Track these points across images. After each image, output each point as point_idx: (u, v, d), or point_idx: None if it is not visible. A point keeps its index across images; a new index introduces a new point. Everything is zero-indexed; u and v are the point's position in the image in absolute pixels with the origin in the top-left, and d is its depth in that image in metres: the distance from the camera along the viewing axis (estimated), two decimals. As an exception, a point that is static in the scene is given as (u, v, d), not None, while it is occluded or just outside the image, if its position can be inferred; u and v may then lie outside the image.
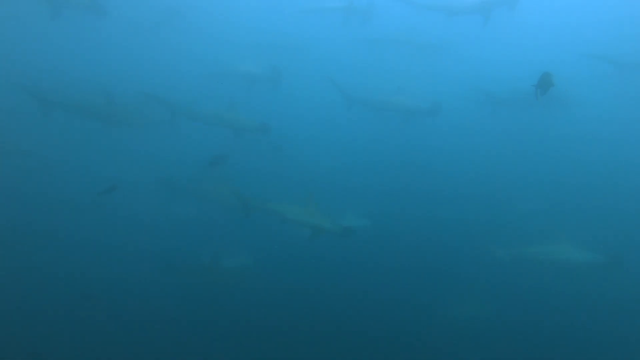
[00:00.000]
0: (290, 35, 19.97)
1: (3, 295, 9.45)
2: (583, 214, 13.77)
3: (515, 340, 10.32)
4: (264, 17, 21.20)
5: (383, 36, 19.78)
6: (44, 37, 17.02)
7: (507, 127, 17.15)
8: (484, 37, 19.50)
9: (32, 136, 13.53)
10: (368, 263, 11.82)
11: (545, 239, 11.67)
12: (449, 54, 19.84)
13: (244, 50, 17.49)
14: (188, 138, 14.56)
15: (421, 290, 11.28)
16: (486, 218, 13.61)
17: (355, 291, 11.13)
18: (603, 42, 19.31)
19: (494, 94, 16.35)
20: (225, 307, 10.38)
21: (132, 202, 13.16)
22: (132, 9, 17.16)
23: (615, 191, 14.93)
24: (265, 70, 16.06)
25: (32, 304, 9.66)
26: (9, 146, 13.26)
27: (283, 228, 10.60)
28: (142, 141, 14.13)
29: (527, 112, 16.67)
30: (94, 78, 14.58)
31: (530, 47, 20.95)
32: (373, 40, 19.35)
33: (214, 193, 13.04)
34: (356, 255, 11.57)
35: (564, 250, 11.34)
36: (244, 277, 11.22)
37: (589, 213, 13.79)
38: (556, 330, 10.68)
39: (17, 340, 8.46)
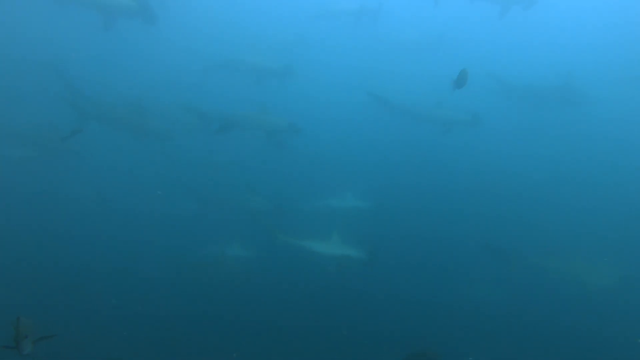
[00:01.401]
0: (302, 36, 20.23)
1: (14, 289, 9.48)
2: (601, 220, 13.57)
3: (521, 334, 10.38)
4: (278, 19, 21.42)
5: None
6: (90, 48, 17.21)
7: (524, 126, 17.37)
8: (500, 36, 19.84)
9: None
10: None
11: (559, 252, 11.55)
12: (461, 53, 20.05)
13: (258, 50, 17.53)
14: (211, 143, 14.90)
15: (437, 285, 11.35)
16: (506, 219, 13.70)
17: (362, 286, 11.12)
18: (618, 44, 19.67)
19: (510, 87, 16.48)
20: (229, 299, 10.47)
21: (141, 201, 13.49)
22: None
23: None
24: (277, 66, 16.14)
25: (48, 298, 9.69)
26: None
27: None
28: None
29: (542, 112, 16.81)
30: (126, 87, 14.71)
31: (545, 47, 21.17)
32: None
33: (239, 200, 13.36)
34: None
35: (579, 269, 11.03)
36: (249, 271, 11.36)
37: (608, 219, 13.59)
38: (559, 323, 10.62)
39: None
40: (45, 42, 17.28)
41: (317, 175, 15.32)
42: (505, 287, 11.29)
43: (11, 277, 9.89)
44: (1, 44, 16.61)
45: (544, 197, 14.69)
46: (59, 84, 13.72)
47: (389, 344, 9.78)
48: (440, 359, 7.69)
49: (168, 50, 18.89)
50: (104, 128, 13.27)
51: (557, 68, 16.76)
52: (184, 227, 12.84)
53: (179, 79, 17.74)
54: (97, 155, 14.02)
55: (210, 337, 9.58)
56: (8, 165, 13.06)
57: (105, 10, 12.63)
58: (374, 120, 16.65)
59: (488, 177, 15.32)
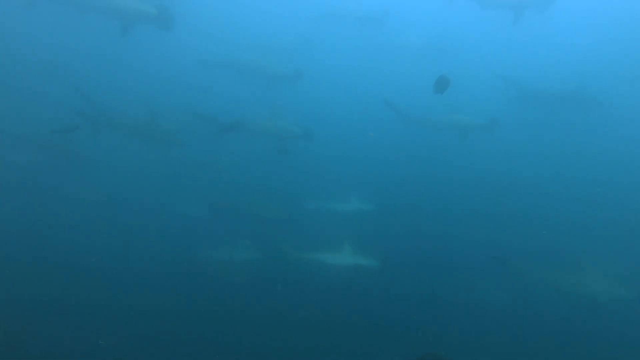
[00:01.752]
0: (307, 39, 20.31)
1: (18, 290, 9.55)
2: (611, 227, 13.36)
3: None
4: (282, 21, 21.54)
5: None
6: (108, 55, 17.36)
7: (536, 130, 17.26)
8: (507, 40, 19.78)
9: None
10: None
11: (569, 259, 11.44)
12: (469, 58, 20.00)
13: (266, 52, 17.64)
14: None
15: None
16: (516, 223, 13.62)
17: (372, 287, 11.14)
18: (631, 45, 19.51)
19: (523, 91, 16.46)
20: (235, 302, 10.45)
21: (149, 204, 13.62)
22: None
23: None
24: (287, 70, 16.22)
25: (50, 300, 9.69)
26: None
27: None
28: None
29: (554, 116, 16.76)
30: (136, 92, 14.78)
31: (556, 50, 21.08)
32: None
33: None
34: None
35: (586, 277, 10.93)
36: (256, 274, 11.40)
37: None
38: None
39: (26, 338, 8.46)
40: (57, 47, 17.51)
41: (325, 179, 15.37)
42: (516, 292, 11.21)
43: (19, 279, 9.94)
44: (5, 47, 16.90)
45: (553, 201, 14.59)
46: (69, 89, 13.81)
47: (398, 346, 9.71)
48: None
49: (178, 54, 19.05)
50: (114, 132, 13.35)
51: (571, 71, 16.71)
52: (192, 230, 12.90)
53: (190, 84, 17.86)
54: (106, 159, 14.15)
55: (214, 338, 9.54)
56: (15, 170, 13.21)
57: (126, 17, 12.65)
58: (380, 122, 16.59)
59: (498, 181, 15.24)
